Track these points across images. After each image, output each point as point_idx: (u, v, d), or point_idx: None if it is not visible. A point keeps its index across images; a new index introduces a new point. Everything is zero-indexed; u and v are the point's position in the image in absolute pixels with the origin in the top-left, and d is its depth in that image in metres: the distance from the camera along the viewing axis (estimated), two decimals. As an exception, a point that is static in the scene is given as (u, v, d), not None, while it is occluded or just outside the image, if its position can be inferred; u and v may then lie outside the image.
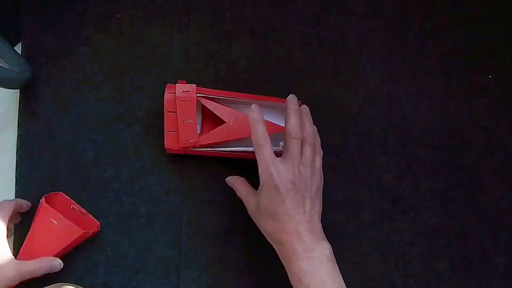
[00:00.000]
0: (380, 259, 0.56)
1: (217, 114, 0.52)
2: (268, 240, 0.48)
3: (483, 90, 0.60)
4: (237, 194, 0.51)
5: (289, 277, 0.46)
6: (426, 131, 0.59)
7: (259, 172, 0.47)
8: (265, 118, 0.53)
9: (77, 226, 0.52)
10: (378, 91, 0.59)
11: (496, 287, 0.56)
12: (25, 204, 0.54)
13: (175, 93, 0.52)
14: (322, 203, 0.49)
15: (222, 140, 0.52)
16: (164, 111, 0.52)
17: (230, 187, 0.56)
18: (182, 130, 0.52)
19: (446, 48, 0.60)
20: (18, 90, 0.57)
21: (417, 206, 0.57)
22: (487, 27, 0.61)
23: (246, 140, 0.54)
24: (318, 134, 0.52)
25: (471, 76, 0.60)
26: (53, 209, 0.52)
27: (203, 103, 0.52)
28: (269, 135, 0.53)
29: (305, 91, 0.58)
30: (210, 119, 0.54)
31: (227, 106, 0.53)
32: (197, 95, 0.52)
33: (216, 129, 0.52)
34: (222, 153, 0.54)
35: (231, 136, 0.52)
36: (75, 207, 0.55)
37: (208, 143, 0.52)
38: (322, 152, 0.51)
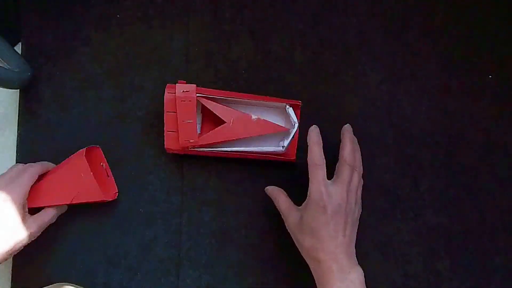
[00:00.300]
0: (380, 259, 0.56)
1: (217, 114, 0.52)
2: (304, 256, 0.49)
3: (483, 90, 0.60)
4: (276, 205, 0.52)
5: None
6: (426, 131, 0.59)
7: (309, 189, 0.48)
8: (265, 118, 0.53)
9: (101, 192, 0.52)
10: (378, 91, 0.59)
11: (496, 287, 0.57)
12: (51, 166, 0.54)
13: (175, 93, 0.52)
14: None
15: (222, 140, 0.52)
16: (164, 111, 0.52)
17: (229, 186, 0.56)
18: (182, 130, 0.52)
19: (446, 48, 0.60)
20: (18, 90, 0.57)
21: (417, 206, 0.57)
22: (487, 27, 0.61)
23: (246, 140, 0.54)
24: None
25: (471, 76, 0.60)
26: (88, 166, 0.51)
27: (203, 103, 0.52)
28: (268, 135, 0.53)
29: (305, 91, 0.59)
30: (210, 119, 0.54)
31: (227, 106, 0.53)
32: (197, 95, 0.52)
33: (216, 129, 0.52)
34: (222, 153, 0.54)
35: (231, 136, 0.52)
36: (104, 166, 0.56)
37: (208, 143, 0.52)
38: (363, 182, 0.52)
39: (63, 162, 0.54)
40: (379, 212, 0.57)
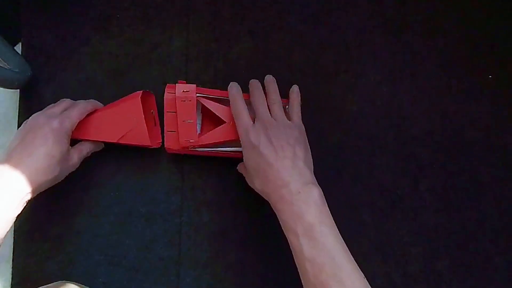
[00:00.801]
0: (380, 259, 0.56)
1: (217, 114, 0.52)
2: (265, 198, 0.48)
3: (483, 90, 0.60)
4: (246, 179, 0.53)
5: (282, 229, 0.45)
6: (426, 131, 0.59)
7: (239, 136, 0.49)
8: None
9: (148, 136, 0.52)
10: (378, 91, 0.59)
11: (496, 287, 0.57)
12: (99, 106, 0.55)
13: (175, 93, 0.52)
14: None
15: (222, 140, 0.52)
16: (164, 111, 0.52)
17: (229, 187, 0.57)
18: (182, 130, 0.52)
19: (446, 48, 0.60)
20: (18, 90, 0.57)
21: (417, 206, 0.57)
22: (487, 27, 0.61)
23: None
24: (299, 93, 0.53)
25: (471, 76, 0.60)
26: (141, 108, 0.52)
27: (203, 103, 0.52)
28: None
29: (305, 91, 0.58)
30: (210, 119, 0.54)
31: (227, 106, 0.53)
32: (197, 95, 0.52)
33: (216, 129, 0.52)
34: (222, 153, 0.54)
35: (231, 136, 0.52)
36: (153, 113, 0.56)
37: (208, 143, 0.52)
38: (299, 108, 0.52)
39: (116, 101, 0.54)
40: (379, 212, 0.57)
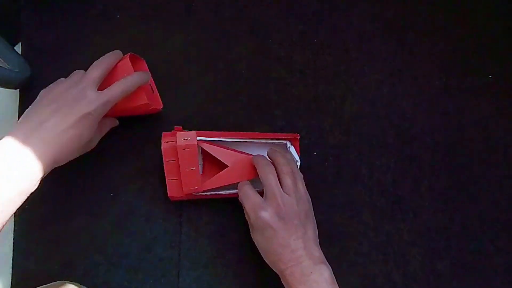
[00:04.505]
0: (380, 259, 0.56)
1: (219, 159, 0.51)
2: (274, 269, 0.49)
3: (483, 90, 0.60)
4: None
5: None
6: (426, 131, 0.59)
7: (246, 214, 0.49)
8: (266, 155, 0.53)
9: (144, 95, 0.51)
10: (378, 91, 0.59)
11: (496, 287, 0.57)
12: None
13: (172, 141, 0.51)
14: (319, 204, 0.50)
15: (225, 184, 0.52)
16: (164, 160, 0.52)
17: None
18: (185, 178, 0.51)
19: (446, 48, 0.60)
20: (18, 90, 0.57)
21: (417, 206, 0.57)
22: (487, 27, 0.61)
23: (249, 180, 0.53)
24: (293, 160, 0.53)
25: (471, 76, 0.60)
26: (132, 68, 0.51)
27: (204, 148, 0.52)
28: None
29: (305, 91, 0.59)
30: (212, 161, 0.53)
31: (228, 148, 0.52)
32: (198, 139, 0.51)
33: (219, 173, 0.51)
34: (226, 195, 0.54)
35: (234, 179, 0.52)
36: (150, 82, 0.55)
37: (211, 188, 0.52)
38: (302, 175, 0.52)
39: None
40: (379, 212, 0.57)
